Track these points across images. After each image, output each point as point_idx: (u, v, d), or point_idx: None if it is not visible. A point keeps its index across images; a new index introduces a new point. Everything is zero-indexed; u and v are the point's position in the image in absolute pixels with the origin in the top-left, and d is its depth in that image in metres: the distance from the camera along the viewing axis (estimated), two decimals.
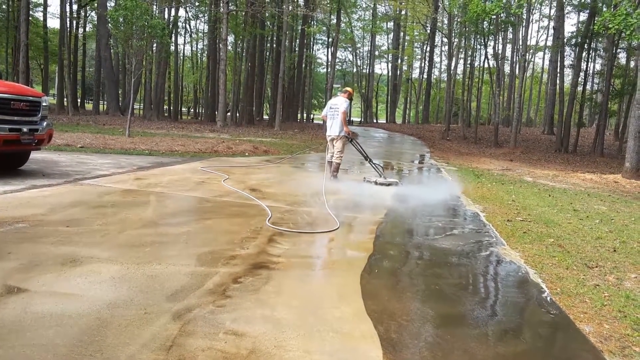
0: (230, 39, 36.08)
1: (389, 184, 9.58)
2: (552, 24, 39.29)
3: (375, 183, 9.62)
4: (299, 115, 48.38)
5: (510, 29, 36.15)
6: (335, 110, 9.78)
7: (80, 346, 2.50)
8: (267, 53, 40.94)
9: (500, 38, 37.38)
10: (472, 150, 25.81)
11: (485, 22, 28.13)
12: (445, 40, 46.46)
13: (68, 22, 36.06)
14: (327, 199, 7.26)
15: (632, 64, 32.00)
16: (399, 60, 54.43)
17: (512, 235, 5.83)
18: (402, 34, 53.26)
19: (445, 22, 42.46)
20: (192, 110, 57.93)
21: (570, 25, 59.16)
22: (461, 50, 36.48)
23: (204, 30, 49.36)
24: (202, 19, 47.83)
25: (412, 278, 4.09)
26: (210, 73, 37.06)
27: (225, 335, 2.73)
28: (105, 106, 39.44)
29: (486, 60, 33.90)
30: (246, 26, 33.59)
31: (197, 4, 42.51)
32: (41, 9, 40.10)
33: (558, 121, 29.71)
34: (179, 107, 45.12)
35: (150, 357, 2.43)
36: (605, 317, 3.49)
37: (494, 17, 25.79)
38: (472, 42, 34.14)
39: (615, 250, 5.44)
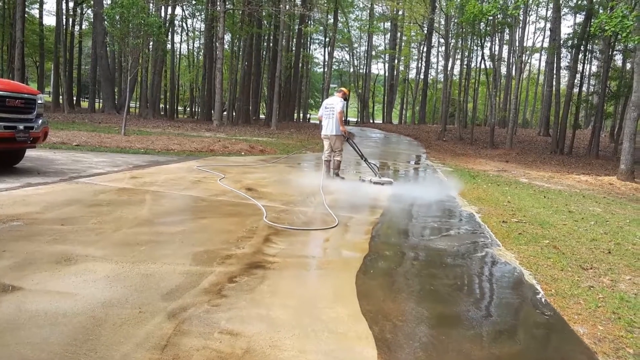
0: (227, 37, 36.04)
1: (383, 183, 9.70)
2: (548, 25, 39.46)
3: (371, 182, 9.73)
4: (295, 114, 48.40)
5: (507, 30, 36.30)
6: (331, 110, 9.89)
7: (75, 345, 2.49)
8: (264, 52, 40.91)
9: (496, 39, 37.52)
10: (468, 151, 25.86)
11: (482, 23, 28.20)
12: (442, 40, 46.63)
13: (64, 20, 35.93)
14: (325, 198, 7.28)
15: (628, 66, 32.09)
16: (396, 61, 54.50)
17: (507, 237, 5.84)
18: (399, 34, 53.33)
19: (442, 22, 42.64)
20: (188, 109, 57.87)
21: (567, 27, 59.52)
22: (458, 51, 36.53)
23: (200, 28, 49.38)
24: (199, 18, 47.86)
25: (408, 279, 4.10)
26: (207, 72, 37.00)
27: (220, 334, 2.73)
28: (101, 104, 39.35)
29: (483, 61, 34.00)
30: (243, 25, 33.60)
31: (194, 2, 42.48)
32: (37, 6, 40.02)
33: (554, 123, 29.81)
34: (175, 106, 45.12)
35: (145, 357, 2.43)
36: (599, 318, 3.50)
37: (491, 18, 25.85)
38: (469, 43, 34.21)
39: (610, 252, 5.45)
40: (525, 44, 39.67)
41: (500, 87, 39.20)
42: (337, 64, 58.24)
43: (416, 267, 4.50)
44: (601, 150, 27.79)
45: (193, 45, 52.79)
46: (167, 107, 43.62)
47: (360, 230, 5.75)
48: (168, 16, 35.59)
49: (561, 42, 32.51)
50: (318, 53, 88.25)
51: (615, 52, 29.93)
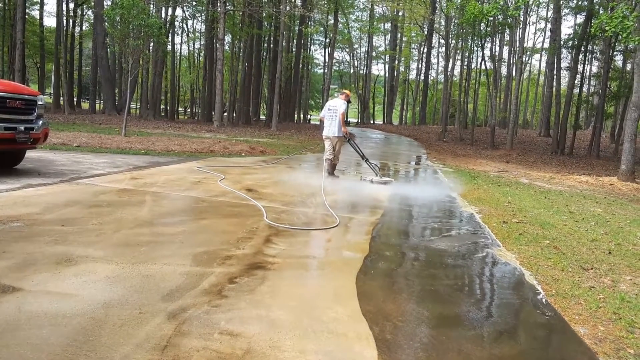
0: (228, 38, 36.01)
1: (385, 183, 9.91)
2: (549, 26, 39.44)
3: (372, 182, 9.91)
4: (296, 115, 48.40)
5: (507, 31, 36.28)
6: (334, 112, 10.06)
7: (75, 345, 2.49)
8: (264, 53, 40.91)
9: (497, 40, 37.55)
10: (468, 151, 25.86)
11: (482, 24, 28.21)
12: (442, 41, 46.66)
13: (64, 21, 35.98)
14: (325, 198, 7.28)
15: (629, 66, 32.09)
16: (396, 61, 54.54)
17: (508, 237, 5.84)
18: (399, 35, 53.35)
19: (443, 23, 42.65)
20: (188, 110, 57.88)
21: (567, 27, 59.58)
22: (458, 51, 36.54)
23: (201, 29, 49.41)
24: (199, 19, 47.91)
25: (408, 279, 4.09)
26: (207, 73, 37.01)
27: (220, 335, 2.73)
28: (101, 105, 39.37)
29: (483, 62, 34.01)
30: (243, 26, 33.60)
31: (194, 3, 42.49)
32: (38, 7, 40.04)
33: (554, 123, 29.82)
34: (175, 107, 45.14)
35: (145, 357, 2.42)
36: (600, 319, 3.49)
37: (491, 19, 25.85)
38: (469, 43, 34.22)
39: (610, 253, 5.45)
40: (525, 45, 39.68)
41: (501, 87, 39.21)
42: (337, 64, 58.32)
43: (416, 267, 4.50)
44: (602, 151, 27.80)
45: (193, 46, 52.87)
46: (168, 108, 43.64)
47: (360, 230, 5.74)
48: (168, 17, 35.62)
49: (561, 42, 32.52)
50: (318, 54, 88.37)
51: (615, 53, 29.94)
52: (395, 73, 56.03)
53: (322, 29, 42.48)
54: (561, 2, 32.75)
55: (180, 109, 56.03)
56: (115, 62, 38.03)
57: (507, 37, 41.21)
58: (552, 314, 3.54)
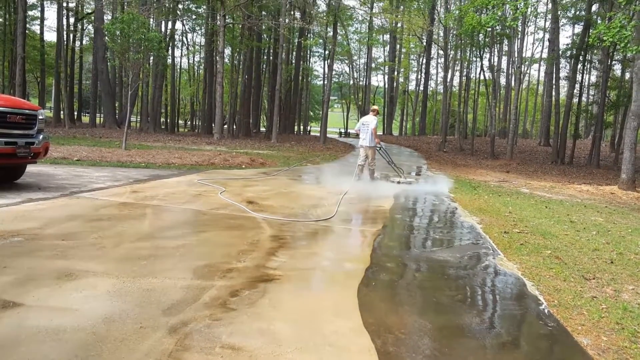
0: (227, 51, 36.19)
1: (409, 183, 12.29)
2: (547, 36, 39.59)
3: (398, 183, 12.16)
4: (296, 127, 48.50)
5: (506, 42, 36.46)
6: (366, 126, 12.09)
7: None
8: (264, 65, 41.11)
9: (495, 50, 37.75)
10: (468, 162, 25.87)
11: (480, 35, 28.34)
12: (441, 52, 46.87)
13: (65, 35, 36.24)
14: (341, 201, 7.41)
15: (627, 75, 32.19)
16: (396, 73, 54.71)
17: (509, 247, 5.83)
18: (398, 46, 53.57)
19: (441, 34, 42.82)
20: (188, 122, 58.05)
21: (565, 37, 59.85)
22: (457, 62, 36.70)
23: (200, 43, 49.69)
24: (199, 32, 48.17)
25: (410, 290, 4.08)
26: (207, 85, 37.16)
27: (222, 349, 2.71)
28: (102, 119, 39.48)
29: (482, 72, 34.15)
30: (243, 39, 33.80)
31: (194, 17, 42.80)
32: (38, 22, 40.28)
33: (554, 133, 29.85)
34: (175, 120, 45.27)
35: None
36: (602, 329, 3.48)
37: (490, 29, 25.97)
38: (468, 54, 34.39)
39: (612, 262, 5.43)
40: (524, 55, 39.85)
41: (500, 97, 39.33)
42: (337, 76, 58.50)
43: (418, 278, 4.48)
44: (602, 160, 27.81)
45: (193, 59, 53.12)
46: (168, 121, 43.77)
47: (361, 242, 5.74)
48: (168, 31, 35.86)
49: (560, 52, 32.64)
50: (318, 66, 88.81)
51: (614, 62, 30.05)
52: (395, 84, 56.19)
53: (321, 41, 42.67)
54: (559, 12, 32.95)
55: (180, 121, 56.23)
56: (116, 75, 38.16)
57: (505, 48, 41.41)
58: (555, 324, 3.53)
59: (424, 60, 51.25)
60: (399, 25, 47.94)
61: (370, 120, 12.09)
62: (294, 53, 42.29)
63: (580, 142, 36.14)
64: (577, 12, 36.07)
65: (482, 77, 35.47)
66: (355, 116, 62.29)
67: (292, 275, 4.17)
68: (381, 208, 8.34)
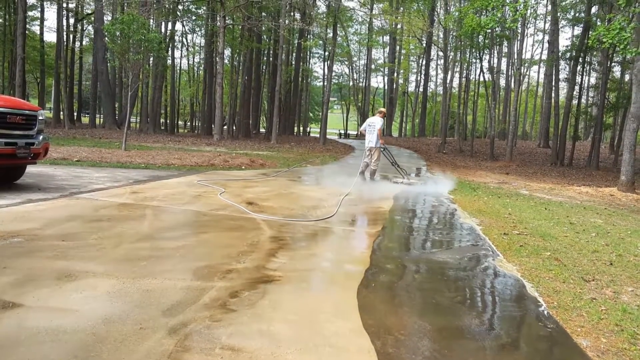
0: (227, 52, 36.25)
1: (410, 184, 12.58)
2: (546, 37, 39.64)
3: (402, 183, 12.53)
4: (295, 128, 48.51)
5: (505, 43, 36.47)
6: (372, 127, 12.41)
7: None
8: (264, 66, 41.13)
9: (495, 52, 37.73)
10: (468, 163, 25.88)
11: (480, 36, 28.34)
12: (440, 53, 46.94)
13: (65, 36, 36.23)
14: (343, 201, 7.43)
15: (627, 77, 32.22)
16: (395, 74, 54.72)
17: (509, 249, 5.83)
18: (398, 47, 53.58)
19: (441, 36, 42.90)
20: (188, 123, 58.07)
21: (565, 39, 60.02)
22: (457, 63, 36.75)
23: (200, 44, 49.71)
24: (199, 33, 48.21)
25: (409, 292, 4.08)
26: (207, 86, 37.17)
27: (222, 350, 2.72)
28: (101, 119, 39.50)
29: (482, 74, 34.17)
30: (243, 40, 33.82)
31: (194, 18, 42.81)
32: (38, 22, 40.28)
33: (553, 134, 29.86)
34: (175, 121, 45.27)
35: None
36: (602, 331, 3.48)
37: (489, 31, 25.98)
38: (468, 55, 34.40)
39: (611, 264, 5.44)
40: (523, 57, 39.93)
41: (500, 99, 39.35)
42: (336, 77, 58.47)
43: (418, 280, 4.49)
44: (601, 162, 27.82)
45: (193, 60, 53.15)
46: (168, 121, 43.78)
47: (361, 243, 5.74)
48: (168, 32, 35.86)
49: (559, 54, 32.66)
50: (318, 67, 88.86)
51: (613, 64, 30.08)
52: (395, 85, 56.18)
53: (321, 42, 42.68)
54: (558, 14, 32.96)
55: (180, 122, 56.23)
56: (116, 76, 38.17)
57: (505, 49, 41.41)
58: (554, 326, 3.53)
59: (424, 62, 51.30)
60: (399, 26, 48.00)
61: (377, 122, 12.46)
62: (294, 54, 42.32)
63: (580, 143, 36.17)
64: (577, 14, 36.12)
65: (481, 79, 35.51)
66: (355, 117, 62.35)
67: (292, 276, 4.18)
68: (381, 209, 8.34)
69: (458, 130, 39.50)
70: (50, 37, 59.93)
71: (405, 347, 2.98)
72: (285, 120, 41.02)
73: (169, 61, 40.28)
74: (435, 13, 43.59)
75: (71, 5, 36.77)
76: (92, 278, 3.71)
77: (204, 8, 36.95)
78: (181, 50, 49.76)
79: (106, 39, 18.94)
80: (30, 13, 40.49)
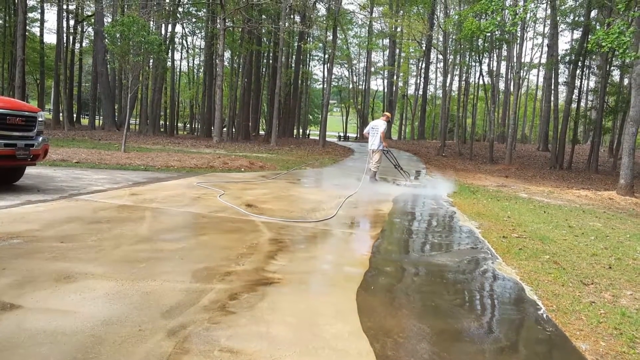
0: (227, 54, 36.25)
1: (413, 186, 12.82)
2: (546, 41, 39.72)
3: (405, 185, 12.84)
4: (295, 130, 48.52)
5: (505, 47, 36.54)
6: (375, 130, 12.83)
7: None
8: (264, 69, 41.14)
9: (494, 55, 37.77)
10: (467, 166, 25.89)
11: (479, 40, 28.40)
12: (440, 57, 47.02)
13: (65, 38, 36.22)
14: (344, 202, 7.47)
15: (626, 81, 32.28)
16: (395, 77, 54.76)
17: (508, 252, 5.83)
18: (397, 50, 53.63)
19: (441, 39, 42.96)
20: (188, 125, 58.06)
21: (564, 43, 60.15)
22: (456, 67, 36.77)
23: (200, 46, 49.79)
24: (199, 35, 48.27)
25: (409, 295, 4.08)
26: (207, 88, 37.19)
27: (221, 352, 2.71)
28: (101, 121, 39.50)
29: (481, 77, 34.19)
30: (243, 42, 33.84)
31: (194, 20, 42.83)
32: (38, 24, 40.31)
33: (553, 138, 29.90)
34: (175, 123, 45.26)
35: None
36: (601, 334, 3.48)
37: (489, 34, 26.03)
38: (467, 59, 34.43)
39: (610, 267, 5.44)
40: (523, 60, 39.93)
41: (499, 102, 39.40)
42: (336, 80, 58.52)
43: (417, 283, 4.49)
44: (600, 165, 27.85)
45: (193, 62, 53.19)
46: (167, 123, 43.74)
47: (360, 245, 5.74)
48: (168, 34, 35.84)
49: (559, 58, 32.70)
50: (317, 69, 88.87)
51: (612, 68, 30.15)
52: (394, 88, 56.20)
53: (321, 45, 42.72)
54: (558, 18, 33.03)
55: (179, 124, 56.22)
56: (115, 78, 38.18)
57: (504, 53, 41.52)
58: (553, 329, 3.53)
59: (423, 65, 51.34)
60: (399, 29, 48.06)
61: (380, 125, 12.83)
62: (294, 57, 42.36)
63: (579, 147, 36.21)
64: (576, 18, 36.14)
65: (481, 82, 35.51)
66: (355, 120, 62.36)
67: (291, 278, 4.17)
68: (380, 212, 8.34)
69: (457, 133, 39.53)
70: (50, 38, 60.06)
71: (405, 350, 2.97)
72: (284, 122, 41.04)
73: (169, 63, 40.29)
74: (435, 16, 43.71)
75: (71, 7, 36.80)
76: (91, 280, 3.70)
77: (204, 10, 37.02)
78: (181, 53, 49.83)
79: (106, 40, 18.99)
80: (30, 15, 40.57)
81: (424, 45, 48.72)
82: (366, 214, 8.27)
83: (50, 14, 77.41)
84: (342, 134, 58.87)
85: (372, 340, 3.04)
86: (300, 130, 52.25)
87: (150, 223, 5.91)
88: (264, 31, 33.22)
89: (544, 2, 29.08)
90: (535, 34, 52.89)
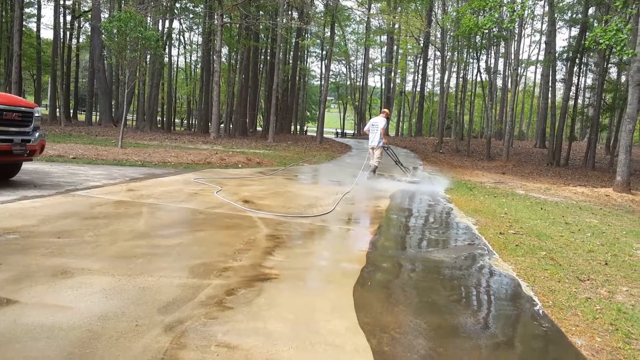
0: (224, 50, 36.23)
1: (413, 182, 12.90)
2: (543, 38, 39.71)
3: (406, 182, 12.85)
4: (292, 127, 48.49)
5: (503, 43, 36.50)
6: (375, 127, 12.96)
7: (71, 358, 2.48)
8: (261, 65, 41.11)
9: (492, 52, 37.78)
10: (464, 163, 25.92)
11: (477, 37, 28.39)
12: (438, 53, 46.98)
13: (62, 33, 36.08)
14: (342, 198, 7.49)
15: (623, 78, 32.33)
16: (393, 74, 54.72)
17: (505, 248, 5.85)
18: (395, 47, 53.57)
19: (439, 36, 42.94)
20: (185, 121, 58.01)
21: (562, 40, 60.11)
22: (454, 63, 36.75)
23: (198, 42, 49.64)
24: (196, 31, 48.12)
25: (405, 290, 4.09)
26: (204, 85, 37.14)
27: (217, 347, 2.72)
28: (98, 117, 39.39)
29: (479, 74, 34.24)
30: (240, 38, 33.77)
31: (191, 16, 42.73)
32: (35, 19, 40.18)
33: (550, 135, 29.93)
34: (172, 119, 45.15)
35: None
36: (597, 330, 3.50)
37: (487, 31, 26.02)
38: (465, 55, 34.43)
39: (606, 264, 5.46)
40: (520, 57, 39.98)
41: (496, 99, 39.45)
42: (334, 76, 58.54)
43: (414, 279, 4.49)
44: (597, 162, 27.90)
45: (190, 58, 53.10)
46: (164, 119, 43.68)
47: (357, 241, 5.75)
48: (165, 29, 35.77)
49: (556, 55, 32.72)
50: (315, 66, 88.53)
51: (610, 65, 30.21)
52: (392, 85, 56.14)
53: (318, 41, 42.73)
54: (556, 15, 33.01)
55: (176, 120, 56.12)
56: (112, 74, 38.07)
57: (502, 50, 41.48)
58: (549, 325, 3.54)
59: (421, 62, 51.30)
60: (397, 26, 48.02)
61: (380, 122, 12.98)
62: (292, 53, 42.33)
63: (576, 144, 36.25)
64: (574, 15, 36.18)
65: (478, 79, 35.56)
66: (352, 117, 62.35)
67: (288, 274, 4.18)
68: (378, 208, 8.35)
69: (455, 130, 39.53)
70: (47, 34, 59.84)
71: (401, 345, 2.98)
72: (282, 118, 41.00)
73: (166, 59, 40.20)
74: (433, 13, 43.66)
75: (68, 3, 36.68)
76: (87, 275, 3.70)
77: (202, 6, 36.89)
78: (178, 48, 49.78)
79: (103, 36, 18.91)
80: (27, 10, 40.40)
81: (422, 42, 48.68)
82: (363, 210, 8.28)
83: (47, 10, 77.14)
84: (339, 131, 58.87)
85: (368, 336, 3.05)
86: (298, 127, 52.23)
87: (147, 219, 5.90)
88: (261, 27, 33.12)
89: None
90: (533, 31, 53.22)
